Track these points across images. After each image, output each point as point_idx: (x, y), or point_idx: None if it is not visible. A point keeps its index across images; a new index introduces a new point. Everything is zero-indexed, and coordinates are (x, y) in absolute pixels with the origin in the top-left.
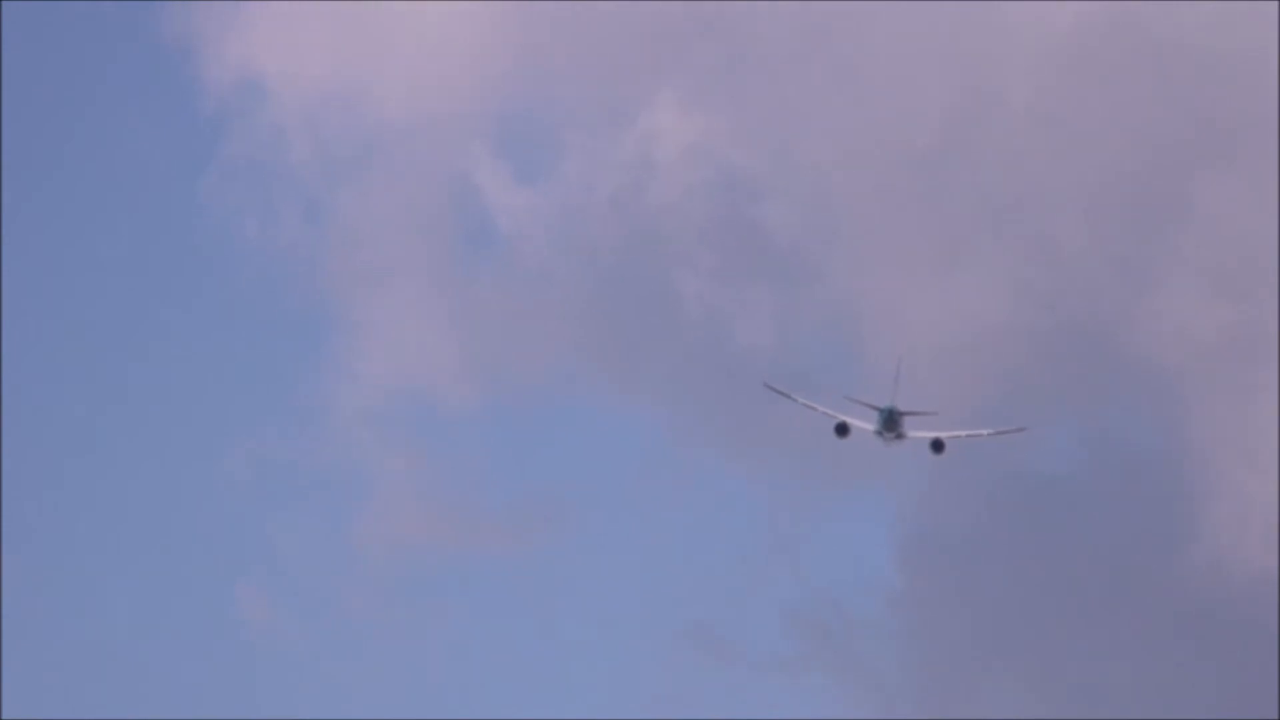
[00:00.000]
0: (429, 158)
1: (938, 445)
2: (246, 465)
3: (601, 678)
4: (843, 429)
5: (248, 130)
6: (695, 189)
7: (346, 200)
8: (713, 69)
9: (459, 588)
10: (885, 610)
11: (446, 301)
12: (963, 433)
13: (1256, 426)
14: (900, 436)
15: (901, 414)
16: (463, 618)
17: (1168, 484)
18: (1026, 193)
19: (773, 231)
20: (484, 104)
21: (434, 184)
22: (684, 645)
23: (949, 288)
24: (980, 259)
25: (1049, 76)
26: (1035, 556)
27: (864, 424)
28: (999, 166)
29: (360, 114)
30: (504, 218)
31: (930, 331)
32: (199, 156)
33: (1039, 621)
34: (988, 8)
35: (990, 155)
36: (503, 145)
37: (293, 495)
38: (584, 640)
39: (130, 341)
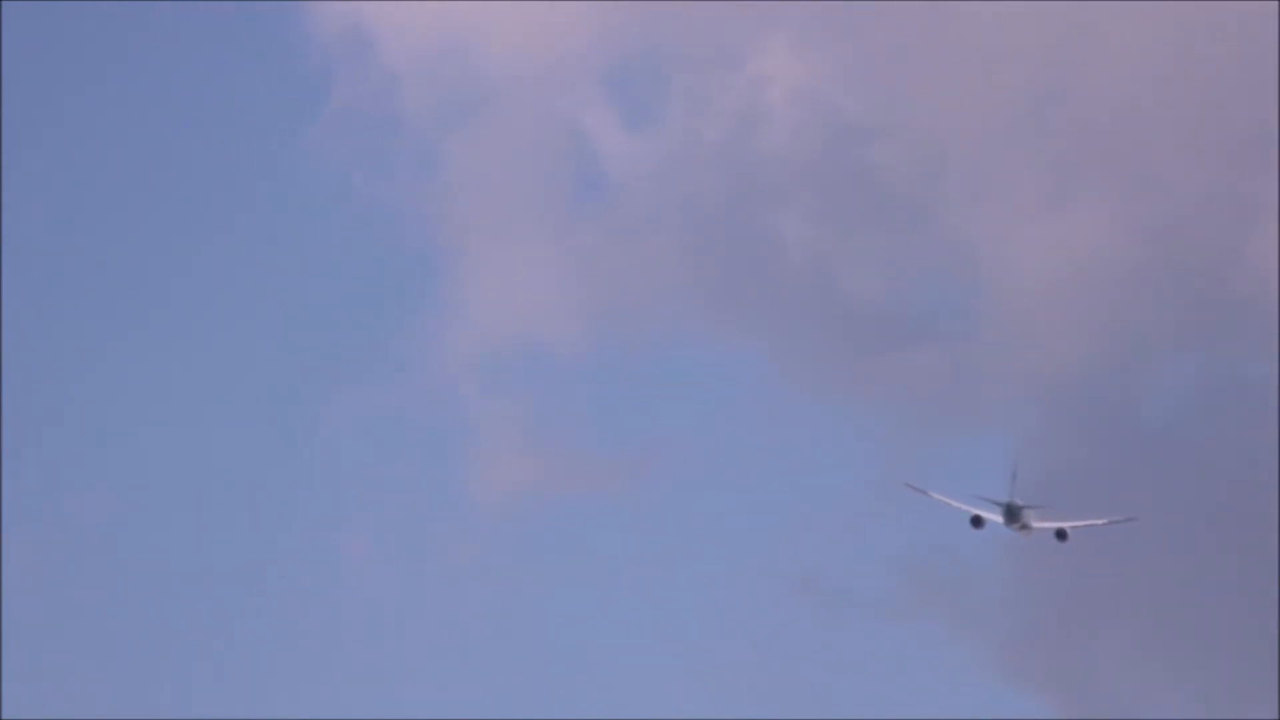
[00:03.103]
0: (538, 105)
1: (1061, 534)
2: (357, 413)
3: (711, 624)
4: (977, 521)
5: (358, 80)
6: (804, 132)
7: (456, 149)
8: (821, 12)
9: (569, 534)
10: (998, 557)
11: (556, 248)
12: (1081, 523)
13: None
14: (1025, 527)
15: (1020, 507)
16: (572, 564)
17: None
18: (1134, 129)
19: (882, 174)
20: (594, 50)
21: (543, 131)
22: (794, 591)
23: (1059, 227)
24: (1090, 198)
25: (1157, 14)
26: (1149, 499)
27: (995, 517)
28: (1107, 104)
29: (470, 62)
30: (613, 164)
31: (1041, 271)
32: (308, 107)
33: (1153, 566)
34: None
35: (1098, 93)
36: (612, 91)
37: (403, 443)
38: (694, 585)
39: (242, 291)
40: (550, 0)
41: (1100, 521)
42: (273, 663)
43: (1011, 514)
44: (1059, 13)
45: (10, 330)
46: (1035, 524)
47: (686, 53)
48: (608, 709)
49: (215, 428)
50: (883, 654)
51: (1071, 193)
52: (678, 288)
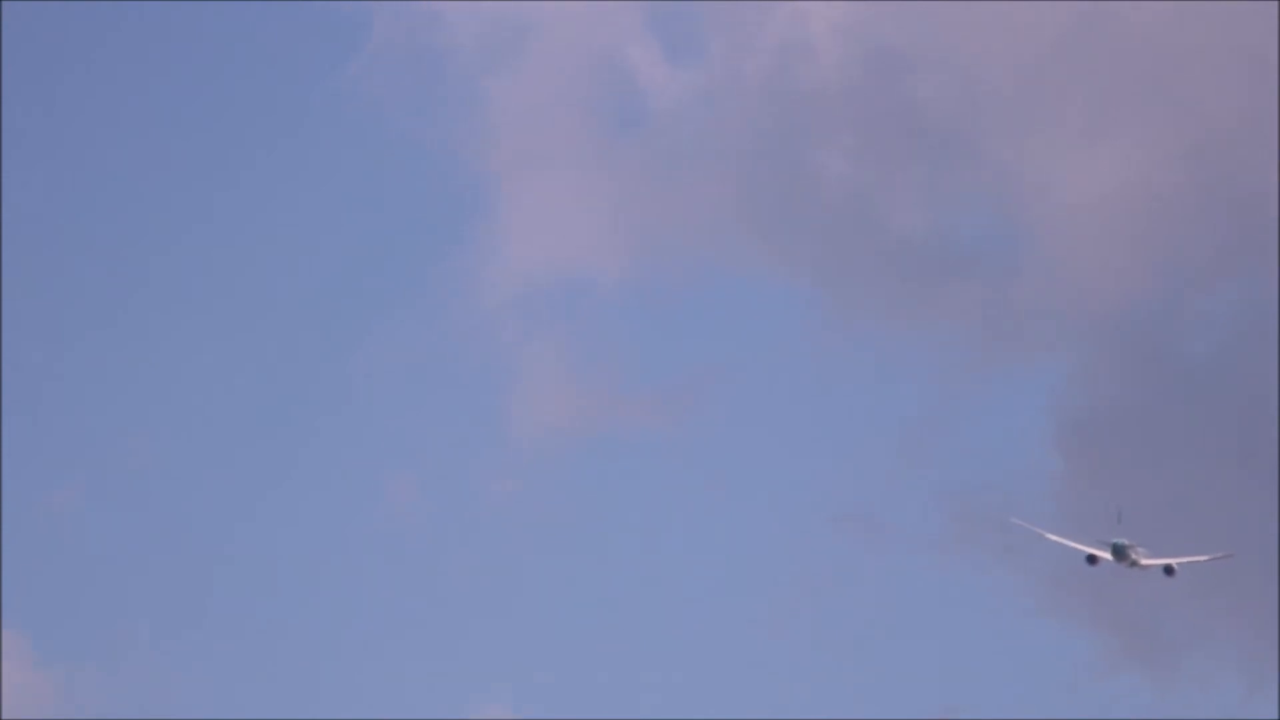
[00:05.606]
0: (579, 39)
1: (1168, 570)
2: (398, 351)
3: (754, 558)
4: (1092, 559)
5: (399, 15)
6: (846, 65)
7: (497, 82)
8: None
9: (611, 469)
10: (1045, 492)
11: (597, 182)
12: (1185, 559)
13: None
14: (1134, 564)
15: (1126, 546)
16: (615, 499)
17: None
18: (1175, 54)
19: (924, 106)
20: None
21: (584, 65)
22: (839, 526)
23: (1103, 156)
24: (1133, 126)
25: None
26: (1197, 435)
27: (1108, 555)
28: (1147, 29)
29: None
30: (655, 97)
31: (1085, 202)
32: (350, 43)
33: (1200, 500)
34: None
35: (1137, 17)
36: (654, 24)
37: (444, 380)
38: (737, 520)
39: (282, 229)
40: None
41: (1203, 558)
42: (313, 604)
43: (1119, 553)
44: None
45: (35, 278)
46: (1144, 561)
47: None
48: (651, 646)
49: (253, 368)
50: (928, 588)
51: (1116, 121)
52: (720, 221)
